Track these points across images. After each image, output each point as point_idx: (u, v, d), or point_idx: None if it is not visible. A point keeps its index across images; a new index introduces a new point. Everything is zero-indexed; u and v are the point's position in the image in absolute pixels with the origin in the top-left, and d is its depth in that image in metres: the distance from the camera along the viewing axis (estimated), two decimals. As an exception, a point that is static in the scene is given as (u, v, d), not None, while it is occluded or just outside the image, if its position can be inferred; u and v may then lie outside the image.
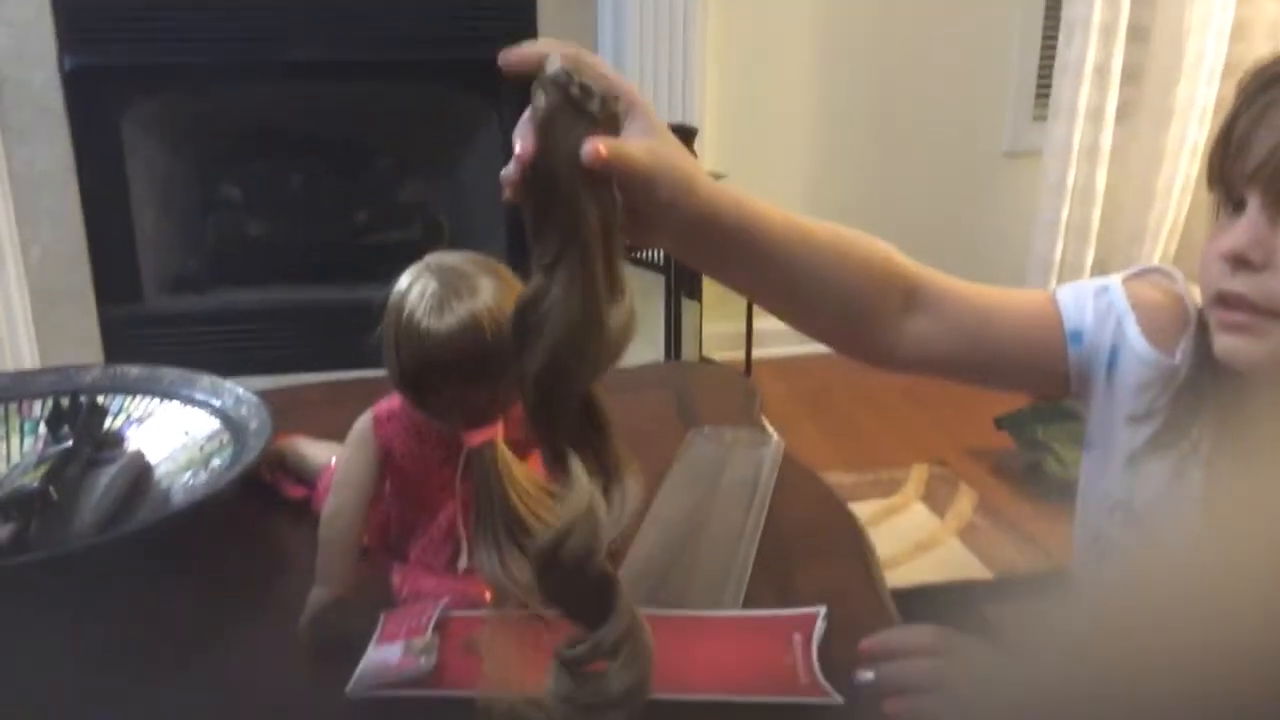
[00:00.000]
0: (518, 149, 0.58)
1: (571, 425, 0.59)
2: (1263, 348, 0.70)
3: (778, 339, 2.85)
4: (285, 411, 1.04)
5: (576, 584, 0.60)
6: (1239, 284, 0.70)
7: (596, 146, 0.57)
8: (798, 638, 0.76)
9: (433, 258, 0.80)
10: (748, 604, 0.83)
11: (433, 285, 0.77)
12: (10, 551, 0.84)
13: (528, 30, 2.65)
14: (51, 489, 0.88)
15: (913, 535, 2.21)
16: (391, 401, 0.84)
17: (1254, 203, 0.70)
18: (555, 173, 0.57)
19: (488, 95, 2.75)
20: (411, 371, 0.78)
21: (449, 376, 0.77)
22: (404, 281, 0.79)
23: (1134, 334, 0.81)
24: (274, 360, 2.48)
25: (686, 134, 2.60)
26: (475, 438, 0.79)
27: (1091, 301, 0.83)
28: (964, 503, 2.35)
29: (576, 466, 0.59)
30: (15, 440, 1.06)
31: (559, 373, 0.57)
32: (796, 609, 0.79)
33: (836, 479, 2.30)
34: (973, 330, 0.81)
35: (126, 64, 2.55)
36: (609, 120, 0.59)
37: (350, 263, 2.71)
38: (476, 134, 2.85)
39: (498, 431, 0.80)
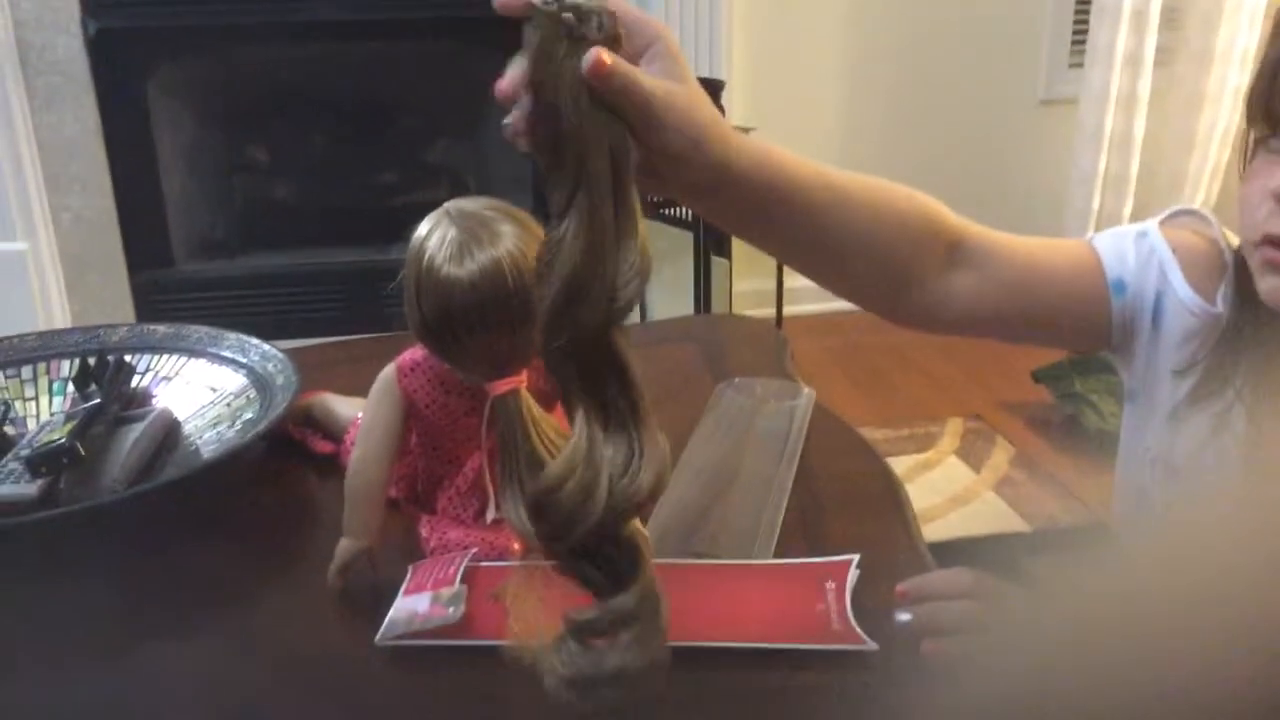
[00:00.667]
0: (502, 84, 0.55)
1: (584, 372, 0.55)
2: None
3: (809, 296, 2.82)
4: (313, 370, 1.04)
5: (578, 542, 0.56)
6: None
7: (600, 55, 0.53)
8: (831, 585, 0.75)
9: (452, 204, 0.79)
10: (779, 555, 0.82)
11: (453, 232, 0.76)
12: (39, 507, 0.84)
13: (551, -15, 2.62)
14: (79, 445, 0.88)
15: (948, 489, 2.19)
16: (415, 353, 0.83)
17: None
18: (558, 108, 0.53)
19: (510, 51, 2.72)
20: (433, 320, 0.77)
21: (471, 325, 0.76)
22: (423, 229, 0.77)
23: (1178, 281, 0.78)
24: (304, 324, 2.48)
25: (714, 87, 2.56)
26: (500, 387, 0.78)
27: (1132, 248, 0.81)
28: (1000, 456, 2.32)
29: (580, 414, 0.56)
30: (44, 399, 1.06)
31: (565, 314, 0.54)
32: (830, 557, 0.78)
33: (870, 434, 2.27)
34: (1017, 286, 0.79)
35: (150, 27, 2.54)
36: (610, 43, 0.55)
37: (378, 224, 2.71)
38: (502, 92, 2.82)
39: (522, 380, 0.79)
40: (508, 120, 0.55)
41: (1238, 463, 0.74)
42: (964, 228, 0.77)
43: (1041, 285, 0.80)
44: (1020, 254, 0.79)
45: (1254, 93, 0.71)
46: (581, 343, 0.55)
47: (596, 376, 0.56)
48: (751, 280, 2.84)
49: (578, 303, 0.54)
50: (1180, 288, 0.78)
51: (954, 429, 2.44)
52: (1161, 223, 0.82)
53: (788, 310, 2.88)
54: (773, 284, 2.82)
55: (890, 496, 0.91)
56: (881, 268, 0.74)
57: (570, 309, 0.54)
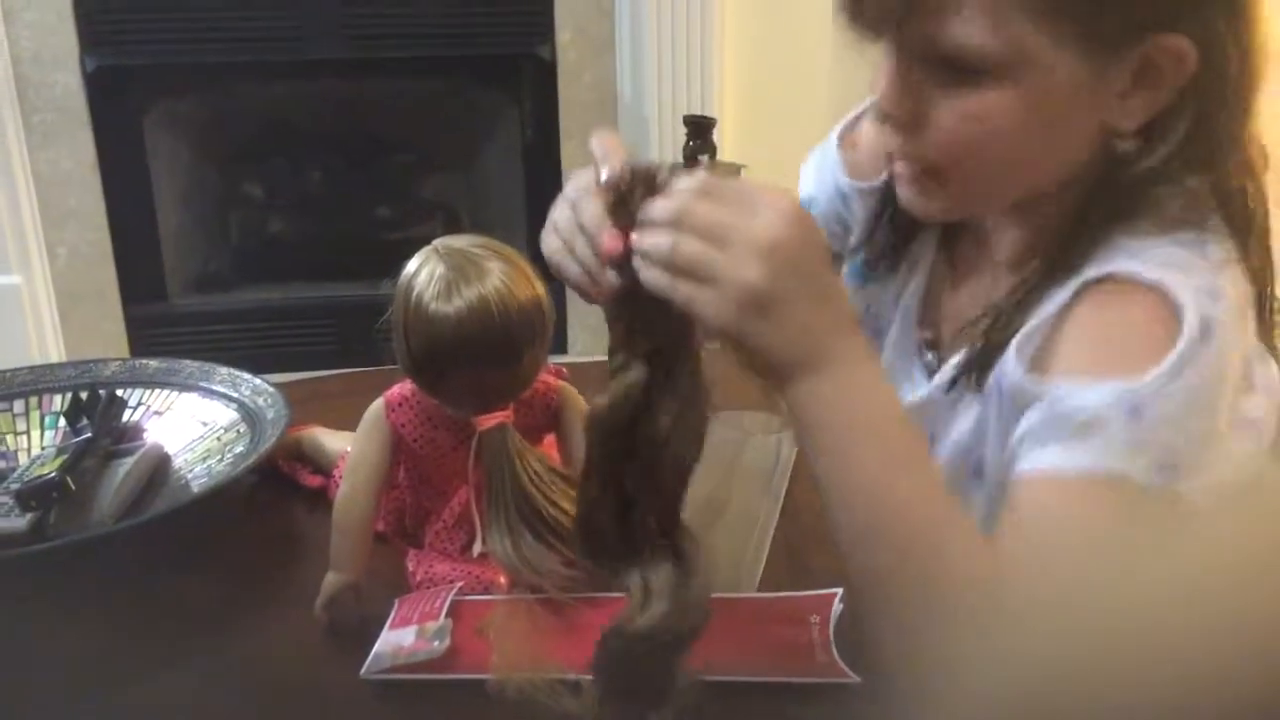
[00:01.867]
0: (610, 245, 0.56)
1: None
2: (936, 204, 0.65)
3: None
4: (304, 403, 1.05)
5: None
6: (899, 143, 0.63)
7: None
8: (815, 619, 0.76)
9: (441, 242, 0.80)
10: (764, 588, 0.82)
11: (440, 269, 0.77)
12: (29, 540, 0.84)
13: (546, 25, 2.65)
14: (69, 479, 0.88)
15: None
16: (403, 387, 0.84)
17: (887, 52, 0.61)
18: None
19: (508, 90, 2.75)
20: (420, 356, 0.78)
21: (458, 360, 0.77)
22: (412, 265, 0.79)
23: (840, 172, 0.79)
24: (298, 358, 2.49)
25: (705, 125, 2.59)
26: (486, 421, 0.79)
27: (814, 159, 0.83)
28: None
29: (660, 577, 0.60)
30: (36, 433, 1.06)
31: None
32: (814, 591, 0.79)
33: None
34: None
35: (148, 64, 2.56)
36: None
37: (372, 260, 2.71)
38: (496, 129, 2.85)
39: (509, 415, 0.80)
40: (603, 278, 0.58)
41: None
42: None
43: None
44: None
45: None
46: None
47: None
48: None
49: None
50: (840, 177, 0.79)
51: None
52: (845, 127, 0.82)
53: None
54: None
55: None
56: None
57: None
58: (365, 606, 0.79)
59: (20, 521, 0.86)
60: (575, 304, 0.56)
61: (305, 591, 0.79)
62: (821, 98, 3.03)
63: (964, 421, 0.67)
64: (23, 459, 1.02)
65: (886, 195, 0.74)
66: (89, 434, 0.96)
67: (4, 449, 1.03)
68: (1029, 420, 0.58)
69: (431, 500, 0.86)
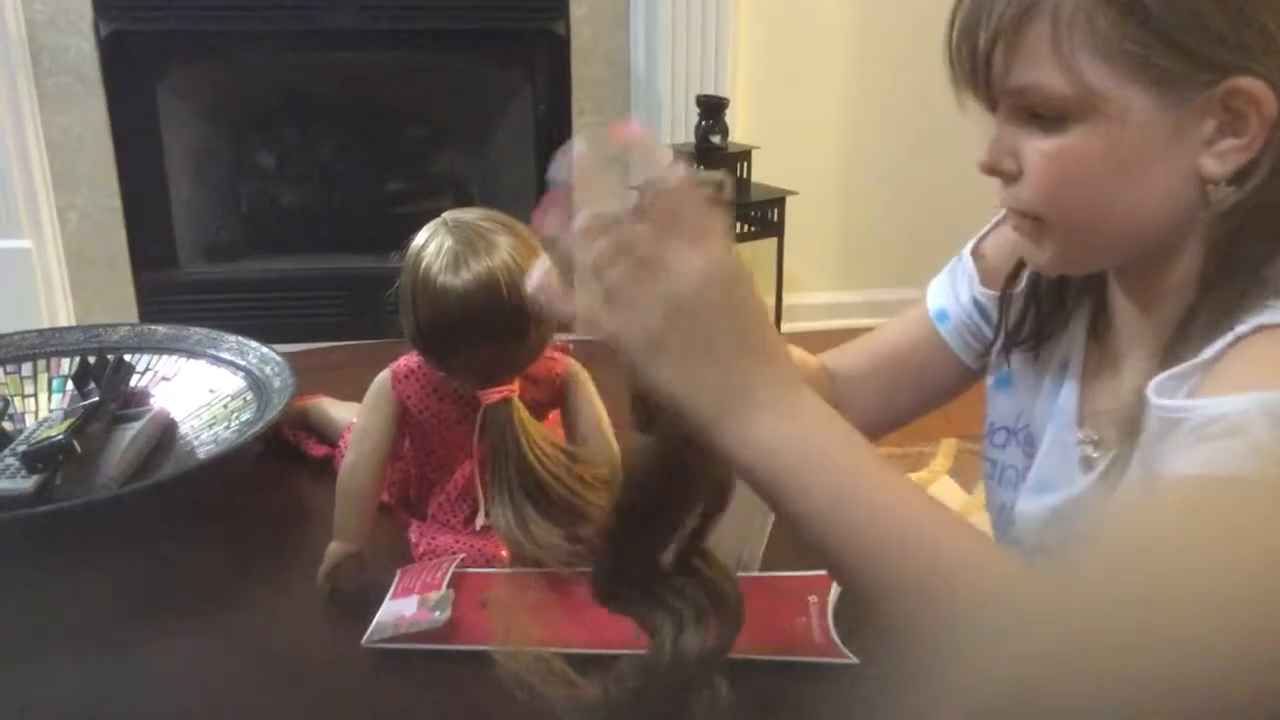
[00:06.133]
0: None
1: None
2: (1046, 253, 0.67)
3: (805, 313, 2.84)
4: (311, 373, 1.05)
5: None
6: (1005, 196, 0.66)
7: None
8: (813, 599, 0.76)
9: (450, 215, 0.80)
10: (765, 568, 0.83)
11: (449, 242, 0.77)
12: (35, 503, 0.85)
13: (561, 0, 2.64)
14: (76, 443, 0.89)
15: (941, 510, 2.19)
16: (410, 359, 0.84)
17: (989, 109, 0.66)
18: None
19: (521, 66, 2.74)
20: (427, 328, 0.78)
21: (465, 334, 0.77)
22: (421, 238, 0.79)
23: (975, 282, 0.81)
24: (306, 329, 2.49)
25: (718, 105, 2.58)
26: (491, 395, 0.79)
27: (948, 273, 0.84)
28: (994, 479, 2.33)
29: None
30: (44, 396, 1.07)
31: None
32: (814, 571, 0.79)
33: (865, 453, 2.27)
34: (886, 388, 0.85)
35: (162, 31, 2.56)
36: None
37: (381, 232, 2.71)
38: (509, 105, 2.84)
39: (514, 389, 0.80)
40: None
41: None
42: (831, 371, 0.84)
43: (899, 369, 0.85)
44: (872, 357, 0.86)
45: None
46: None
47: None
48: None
49: None
50: (976, 288, 0.81)
51: (947, 449, 2.44)
52: (979, 239, 0.83)
53: (785, 327, 2.89)
54: (772, 301, 2.84)
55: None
56: None
57: None
58: (368, 576, 0.79)
59: (26, 483, 0.86)
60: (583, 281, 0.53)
61: (309, 560, 0.80)
62: (836, 80, 3.02)
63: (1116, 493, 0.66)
64: (30, 421, 1.03)
65: (1030, 294, 0.76)
66: (96, 398, 0.96)
67: (12, 411, 1.03)
68: (1169, 441, 0.57)
69: (436, 472, 0.87)
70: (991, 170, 0.66)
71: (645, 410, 0.57)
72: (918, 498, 0.55)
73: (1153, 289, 0.67)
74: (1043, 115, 0.62)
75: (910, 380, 0.86)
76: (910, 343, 0.86)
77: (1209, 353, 0.59)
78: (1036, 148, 0.62)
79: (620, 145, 0.53)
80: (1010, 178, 0.65)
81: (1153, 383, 0.60)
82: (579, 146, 0.53)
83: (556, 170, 0.53)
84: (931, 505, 0.54)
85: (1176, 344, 0.62)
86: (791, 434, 0.53)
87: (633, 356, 0.53)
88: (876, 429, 0.85)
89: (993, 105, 0.65)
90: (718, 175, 0.55)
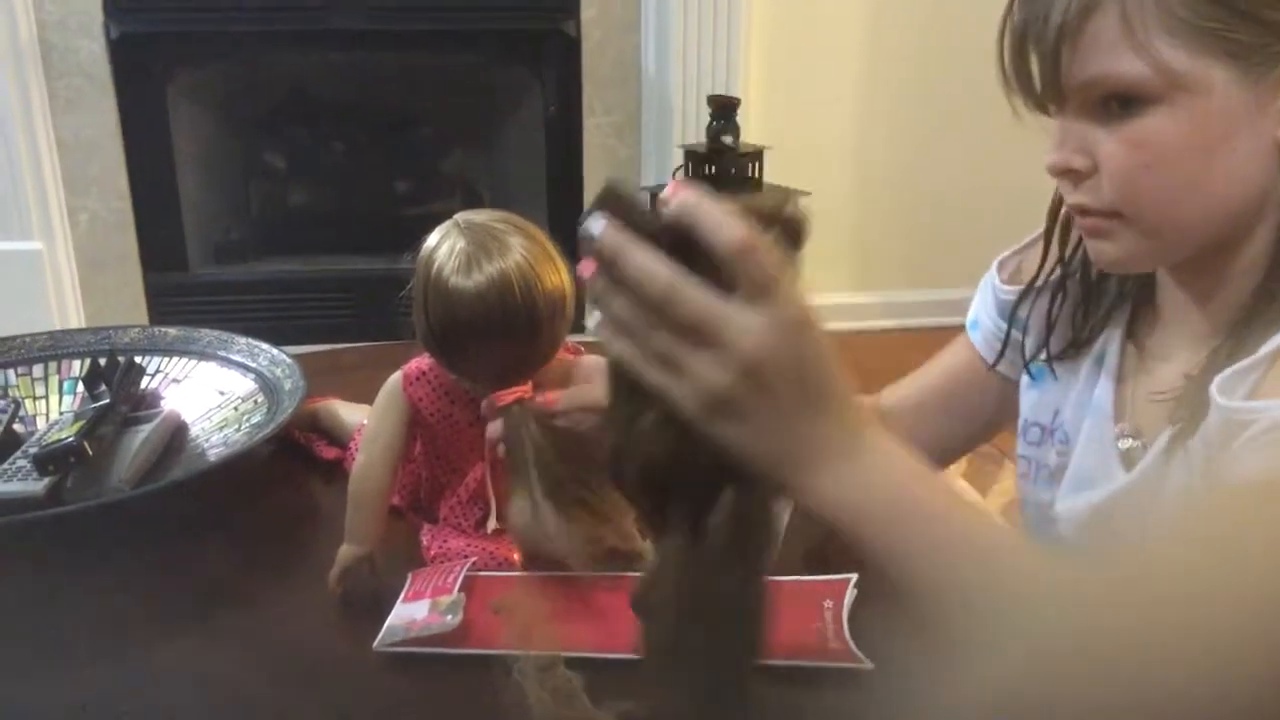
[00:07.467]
0: None
1: None
2: (1121, 248, 0.66)
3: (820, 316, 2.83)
4: (321, 375, 1.05)
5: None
6: (1078, 196, 0.65)
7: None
8: (829, 604, 0.75)
9: (462, 216, 0.79)
10: (779, 573, 0.82)
11: (461, 243, 0.77)
12: (46, 505, 0.85)
13: (571, 1, 2.64)
14: (87, 445, 0.88)
15: (953, 512, 2.18)
16: (421, 361, 0.84)
17: (1053, 113, 0.65)
18: None
19: (530, 66, 2.74)
20: (439, 330, 0.77)
21: (476, 335, 0.76)
22: (433, 239, 0.78)
23: (1001, 287, 0.81)
24: (316, 330, 2.49)
25: (729, 105, 2.57)
26: (504, 397, 0.79)
27: (979, 289, 0.84)
28: (1008, 480, 2.31)
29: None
30: (54, 398, 1.07)
31: None
32: (829, 576, 0.78)
33: (876, 455, 2.26)
34: (941, 424, 0.85)
35: (172, 32, 2.56)
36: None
37: (391, 233, 2.71)
38: (519, 105, 2.84)
39: (527, 390, 0.79)
40: None
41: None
42: (883, 409, 0.84)
43: (950, 397, 0.85)
44: (921, 389, 0.86)
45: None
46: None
47: None
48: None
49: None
50: (999, 288, 0.80)
51: (961, 452, 2.43)
52: (1005, 256, 0.84)
53: (798, 329, 2.88)
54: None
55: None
56: None
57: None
58: (379, 579, 0.79)
59: (37, 486, 0.86)
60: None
61: (320, 563, 0.79)
62: (849, 79, 3.01)
63: (1172, 495, 0.66)
64: (41, 424, 1.03)
65: (1059, 290, 0.75)
66: (107, 400, 0.96)
67: (23, 413, 1.03)
68: (1236, 442, 0.56)
69: (447, 475, 0.86)
70: (1064, 171, 0.65)
71: (626, 395, 0.52)
72: (994, 526, 0.55)
73: (1215, 276, 0.66)
74: (1116, 103, 0.61)
75: (960, 406, 0.86)
76: (956, 366, 0.86)
77: (1270, 346, 0.58)
78: (1116, 138, 0.61)
79: (672, 210, 0.48)
80: (1083, 176, 0.64)
81: (1217, 379, 0.59)
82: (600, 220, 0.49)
83: (588, 229, 0.49)
84: (1005, 531, 0.56)
85: (1241, 327, 0.61)
86: (875, 483, 0.52)
87: (694, 416, 0.49)
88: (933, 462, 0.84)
89: (1059, 103, 0.64)
90: (782, 199, 0.52)
